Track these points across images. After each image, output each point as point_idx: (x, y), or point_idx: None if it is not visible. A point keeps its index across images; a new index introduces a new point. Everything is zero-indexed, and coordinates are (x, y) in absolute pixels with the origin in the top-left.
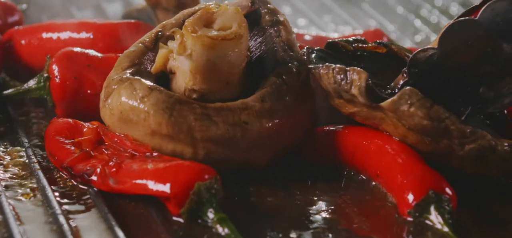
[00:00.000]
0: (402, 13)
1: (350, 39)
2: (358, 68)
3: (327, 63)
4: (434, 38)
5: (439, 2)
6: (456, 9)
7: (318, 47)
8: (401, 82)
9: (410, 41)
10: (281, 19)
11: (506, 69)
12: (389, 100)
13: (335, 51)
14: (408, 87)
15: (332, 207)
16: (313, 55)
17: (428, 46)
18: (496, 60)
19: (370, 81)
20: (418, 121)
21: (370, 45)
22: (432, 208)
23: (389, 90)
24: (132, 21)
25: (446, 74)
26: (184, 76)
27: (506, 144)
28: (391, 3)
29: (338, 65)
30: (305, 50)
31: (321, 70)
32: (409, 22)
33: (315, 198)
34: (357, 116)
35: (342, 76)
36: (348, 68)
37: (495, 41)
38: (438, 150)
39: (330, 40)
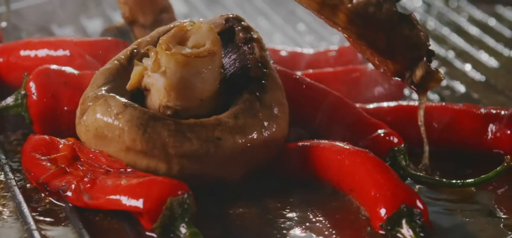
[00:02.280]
0: None
1: None
2: None
3: None
4: None
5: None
6: (433, 24)
7: None
8: None
9: None
10: (255, 36)
11: None
12: None
13: None
14: None
15: (305, 222)
16: None
17: None
18: None
19: None
20: None
21: None
22: (403, 222)
23: None
24: (109, 38)
25: None
26: (159, 93)
27: (396, 8)
28: None
29: None
30: None
31: None
32: None
33: (288, 213)
34: None
35: None
36: None
37: None
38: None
39: None
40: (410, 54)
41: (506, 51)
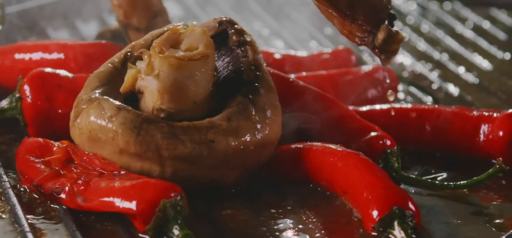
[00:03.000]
0: None
1: None
2: None
3: None
4: (404, 60)
5: (410, 20)
6: (427, 27)
7: None
8: None
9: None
10: (248, 39)
11: None
12: None
13: None
14: None
15: (298, 224)
16: None
17: None
18: None
19: None
20: None
21: None
22: (395, 223)
23: None
24: (103, 41)
25: None
26: (152, 96)
27: None
28: None
29: None
30: None
31: None
32: None
33: (280, 215)
34: None
35: None
36: None
37: None
38: None
39: None
40: (371, 17)
41: (499, 54)
